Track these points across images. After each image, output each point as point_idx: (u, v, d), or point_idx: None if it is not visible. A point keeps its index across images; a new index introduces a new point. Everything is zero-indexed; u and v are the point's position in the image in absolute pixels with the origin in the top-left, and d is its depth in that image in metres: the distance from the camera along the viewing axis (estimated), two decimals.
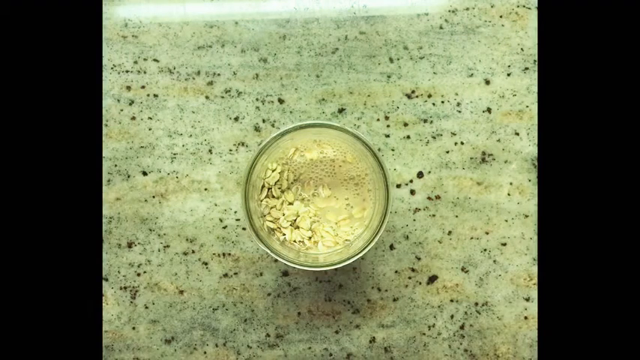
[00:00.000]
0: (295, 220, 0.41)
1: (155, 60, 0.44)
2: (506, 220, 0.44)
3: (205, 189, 0.44)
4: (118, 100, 0.44)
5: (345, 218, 0.41)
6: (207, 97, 0.44)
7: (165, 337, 0.44)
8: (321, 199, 0.41)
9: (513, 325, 0.44)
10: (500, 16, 0.44)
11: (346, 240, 0.41)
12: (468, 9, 0.44)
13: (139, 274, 0.44)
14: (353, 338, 0.44)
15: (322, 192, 0.41)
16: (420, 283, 0.44)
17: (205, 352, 0.44)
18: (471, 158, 0.44)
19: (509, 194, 0.44)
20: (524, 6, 0.44)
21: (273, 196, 0.41)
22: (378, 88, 0.44)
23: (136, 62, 0.44)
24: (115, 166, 0.44)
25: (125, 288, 0.44)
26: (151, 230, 0.44)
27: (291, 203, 0.41)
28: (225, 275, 0.44)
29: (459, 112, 0.44)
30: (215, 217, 0.44)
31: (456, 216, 0.44)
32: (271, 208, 0.41)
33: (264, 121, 0.44)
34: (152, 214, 0.44)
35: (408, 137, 0.44)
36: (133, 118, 0.44)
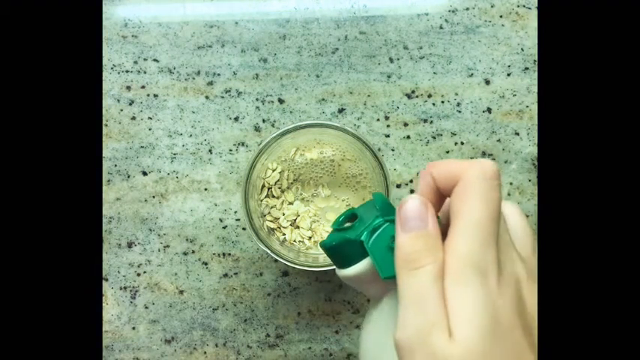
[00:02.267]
0: (295, 220, 0.41)
1: (155, 60, 0.44)
2: None
3: (205, 189, 0.44)
4: (118, 100, 0.44)
5: None
6: (207, 97, 0.44)
7: (165, 337, 0.44)
8: (321, 198, 0.41)
9: None
10: (501, 16, 0.44)
11: None
12: (468, 9, 0.44)
13: (139, 274, 0.44)
14: (353, 338, 0.44)
15: (322, 192, 0.41)
16: None
17: (205, 352, 0.44)
18: (471, 158, 0.44)
19: (509, 194, 0.44)
20: (524, 6, 0.44)
21: (273, 196, 0.41)
22: (378, 88, 0.44)
23: (136, 62, 0.44)
24: (115, 166, 0.44)
25: (125, 288, 0.44)
26: (150, 230, 0.44)
27: (291, 203, 0.41)
28: (225, 275, 0.44)
29: (459, 112, 0.44)
30: (215, 217, 0.44)
31: None
32: (271, 207, 0.41)
33: (264, 121, 0.44)
34: (152, 214, 0.44)
35: (408, 137, 0.44)
36: (133, 118, 0.44)
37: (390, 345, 0.25)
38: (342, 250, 0.28)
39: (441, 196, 0.25)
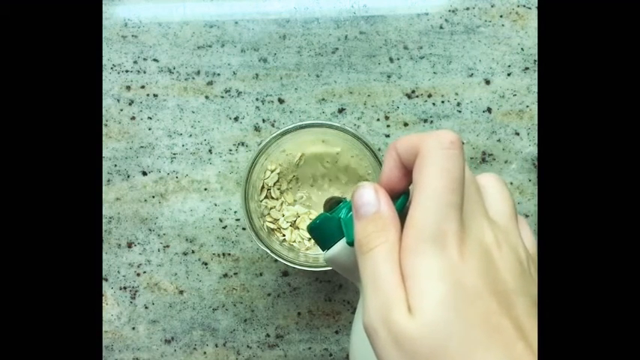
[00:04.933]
0: (295, 221, 0.41)
1: (155, 60, 0.44)
2: None
3: (205, 189, 0.44)
4: (118, 100, 0.44)
5: None
6: (207, 97, 0.44)
7: (165, 337, 0.44)
8: (321, 199, 0.41)
9: None
10: (501, 16, 0.44)
11: None
12: (468, 9, 0.44)
13: (138, 274, 0.44)
14: None
15: (322, 192, 0.41)
16: None
17: (205, 352, 0.44)
18: (472, 158, 0.44)
19: None
20: (524, 6, 0.44)
21: (272, 197, 0.41)
22: (378, 88, 0.44)
23: (135, 62, 0.44)
24: (115, 166, 0.44)
25: (125, 288, 0.44)
26: (150, 230, 0.44)
27: (291, 204, 0.41)
28: (225, 275, 0.44)
29: (459, 112, 0.44)
30: (215, 217, 0.44)
31: None
32: (270, 208, 0.41)
33: (264, 121, 0.44)
34: (152, 214, 0.44)
35: None
36: (133, 118, 0.44)
37: None
38: (323, 230, 0.28)
39: (407, 171, 0.25)
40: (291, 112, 0.44)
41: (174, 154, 0.44)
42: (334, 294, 0.44)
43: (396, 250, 0.23)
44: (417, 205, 0.23)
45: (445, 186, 0.22)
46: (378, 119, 0.44)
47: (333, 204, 0.31)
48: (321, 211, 0.41)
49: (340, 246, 0.27)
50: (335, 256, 0.27)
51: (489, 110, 0.44)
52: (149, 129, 0.44)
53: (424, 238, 0.22)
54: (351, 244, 0.26)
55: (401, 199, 0.25)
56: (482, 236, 0.23)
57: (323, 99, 0.44)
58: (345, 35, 0.44)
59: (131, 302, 0.44)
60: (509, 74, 0.44)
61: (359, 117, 0.44)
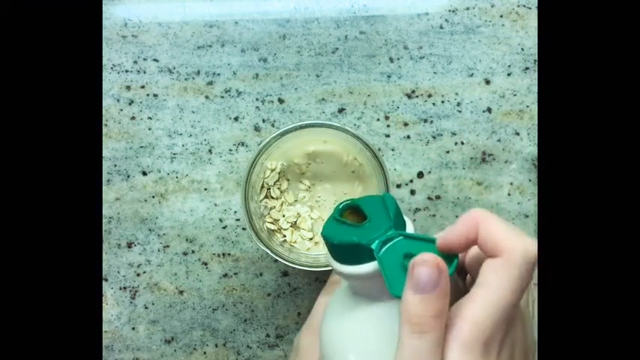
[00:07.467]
0: (296, 222, 0.41)
1: (155, 60, 0.44)
2: (507, 220, 0.44)
3: (205, 189, 0.44)
4: (118, 100, 0.44)
5: None
6: (207, 97, 0.44)
7: (165, 337, 0.44)
8: (321, 199, 0.41)
9: None
10: (501, 16, 0.44)
11: None
12: (468, 9, 0.44)
13: (138, 275, 0.44)
14: None
15: (323, 192, 0.41)
16: None
17: (205, 353, 0.44)
18: (472, 158, 0.44)
19: (509, 194, 0.44)
20: (524, 6, 0.44)
21: (272, 197, 0.41)
22: (378, 87, 0.44)
23: (135, 62, 0.44)
24: (115, 166, 0.44)
25: (125, 288, 0.44)
26: (150, 230, 0.44)
27: (291, 204, 0.41)
28: (225, 275, 0.44)
29: (459, 111, 0.44)
30: (215, 217, 0.44)
31: (457, 216, 0.44)
32: (271, 209, 0.41)
33: (264, 121, 0.44)
34: (152, 214, 0.44)
35: (408, 137, 0.44)
36: (133, 118, 0.44)
37: (350, 330, 0.26)
38: (347, 249, 0.28)
39: (472, 243, 0.26)
40: (291, 112, 0.44)
41: (174, 154, 0.44)
42: None
43: (442, 340, 0.24)
44: (484, 306, 0.24)
45: (512, 300, 0.24)
46: (378, 119, 0.44)
47: (344, 208, 0.30)
48: (322, 210, 0.41)
49: (365, 271, 0.27)
50: (354, 276, 0.27)
51: (489, 110, 0.44)
52: (149, 129, 0.44)
53: (479, 340, 0.24)
54: (397, 296, 0.25)
55: (453, 265, 0.26)
56: (512, 345, 0.26)
57: (323, 99, 0.44)
58: (345, 35, 0.44)
59: (131, 302, 0.44)
60: (509, 74, 0.44)
61: (359, 117, 0.44)
